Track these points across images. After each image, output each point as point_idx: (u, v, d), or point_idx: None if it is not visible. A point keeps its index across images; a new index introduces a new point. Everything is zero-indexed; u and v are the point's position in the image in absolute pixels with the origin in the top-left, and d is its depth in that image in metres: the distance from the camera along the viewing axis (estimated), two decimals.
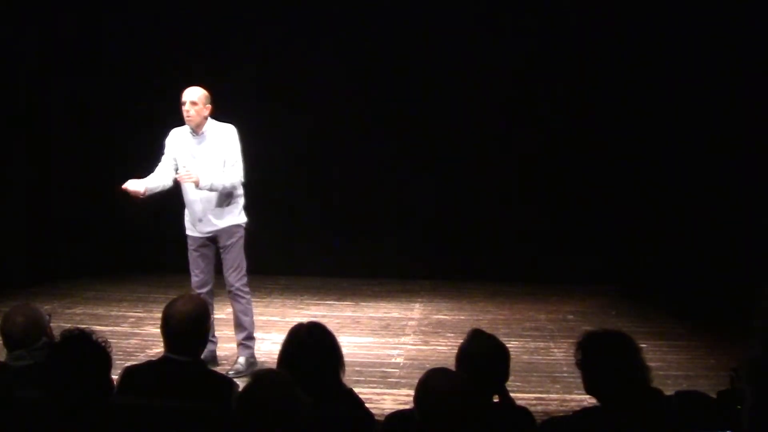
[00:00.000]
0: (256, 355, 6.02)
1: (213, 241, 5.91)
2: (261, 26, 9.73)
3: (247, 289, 5.97)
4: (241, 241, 5.94)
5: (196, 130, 5.79)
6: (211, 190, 5.73)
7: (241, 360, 5.85)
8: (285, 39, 9.72)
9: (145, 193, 5.76)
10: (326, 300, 8.64)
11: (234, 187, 5.85)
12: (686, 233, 9.02)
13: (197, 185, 5.66)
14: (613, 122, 9.44)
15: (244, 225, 5.97)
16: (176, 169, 5.87)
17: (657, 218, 9.26)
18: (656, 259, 9.20)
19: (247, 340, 5.93)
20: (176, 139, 5.91)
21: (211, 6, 9.77)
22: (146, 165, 9.45)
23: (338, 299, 8.68)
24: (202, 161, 5.76)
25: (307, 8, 9.73)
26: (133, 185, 5.72)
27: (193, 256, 5.92)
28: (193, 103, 5.74)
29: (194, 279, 5.91)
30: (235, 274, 5.88)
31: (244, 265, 5.94)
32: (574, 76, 9.60)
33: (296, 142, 9.78)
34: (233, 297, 5.91)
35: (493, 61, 9.60)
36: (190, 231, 5.95)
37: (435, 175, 9.83)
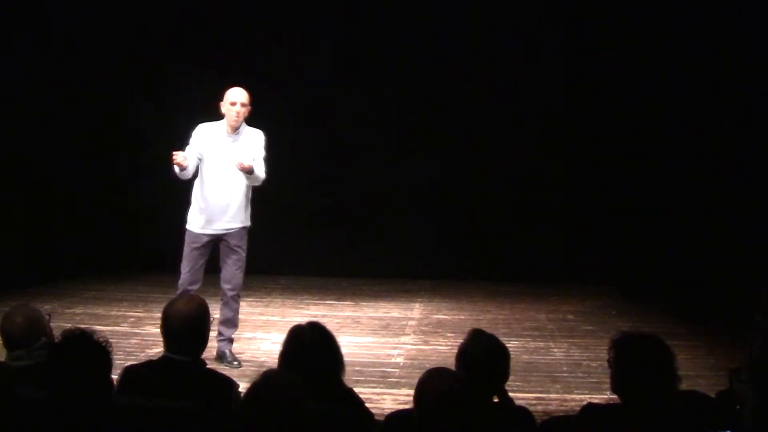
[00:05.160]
0: (257, 355, 6.15)
1: (217, 240, 5.92)
2: (261, 27, 9.73)
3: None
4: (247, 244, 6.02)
5: (235, 130, 5.82)
6: (251, 177, 5.76)
7: (230, 352, 5.95)
8: (284, 39, 9.72)
9: (186, 166, 5.70)
10: (326, 300, 8.64)
11: (261, 184, 5.92)
12: (686, 233, 9.01)
13: (248, 171, 5.68)
14: (612, 123, 9.43)
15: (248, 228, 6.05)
16: (199, 162, 5.87)
17: (657, 218, 9.25)
18: (656, 259, 9.19)
19: (233, 335, 6.05)
20: (207, 135, 5.87)
21: (209, 8, 9.77)
22: (146, 163, 9.56)
23: (338, 299, 8.67)
24: (235, 159, 5.75)
25: (304, 8, 9.72)
26: (181, 155, 5.67)
27: (193, 254, 5.90)
28: (244, 105, 5.82)
29: (186, 275, 5.90)
30: (240, 275, 5.96)
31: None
32: (574, 77, 9.60)
33: (296, 142, 9.77)
34: (234, 298, 5.95)
35: (492, 61, 9.60)
36: (196, 228, 5.90)
37: (435, 174, 9.82)
